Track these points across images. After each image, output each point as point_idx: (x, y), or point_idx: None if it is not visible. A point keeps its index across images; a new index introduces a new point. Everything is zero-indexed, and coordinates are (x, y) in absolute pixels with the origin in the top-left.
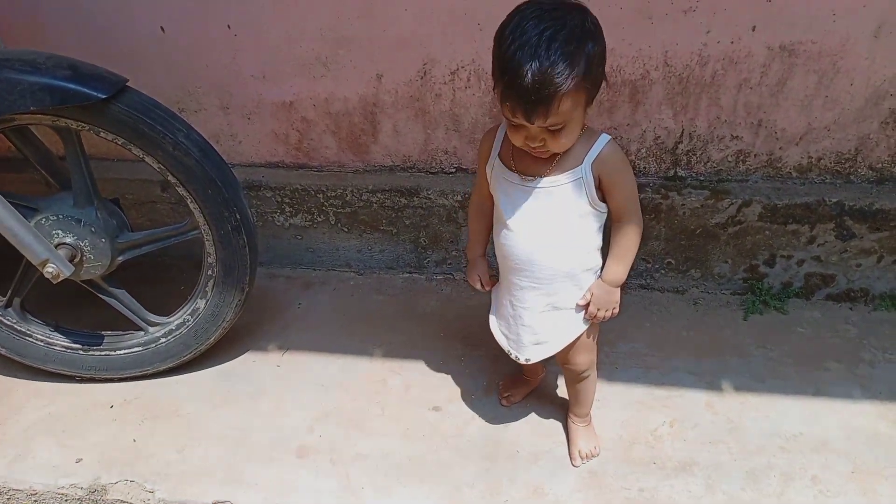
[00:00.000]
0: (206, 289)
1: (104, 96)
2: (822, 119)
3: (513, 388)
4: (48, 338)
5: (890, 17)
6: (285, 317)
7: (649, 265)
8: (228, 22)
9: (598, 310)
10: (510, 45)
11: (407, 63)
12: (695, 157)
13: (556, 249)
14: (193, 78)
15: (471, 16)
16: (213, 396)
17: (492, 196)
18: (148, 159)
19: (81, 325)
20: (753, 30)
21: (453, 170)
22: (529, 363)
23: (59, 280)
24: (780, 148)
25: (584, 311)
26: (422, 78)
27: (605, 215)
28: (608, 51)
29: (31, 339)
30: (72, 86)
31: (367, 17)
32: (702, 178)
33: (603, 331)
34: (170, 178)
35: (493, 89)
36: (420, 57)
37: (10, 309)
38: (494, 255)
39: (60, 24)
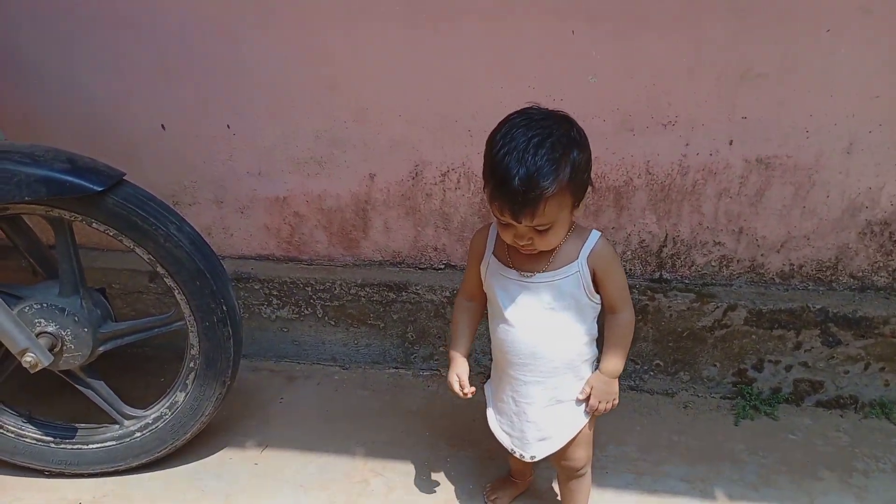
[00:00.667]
0: (187, 381)
1: (100, 189)
2: (801, 228)
3: (500, 490)
4: (19, 429)
5: (860, 135)
6: (266, 411)
7: (638, 366)
8: (228, 122)
9: (599, 402)
10: (500, 150)
11: (399, 164)
12: (679, 261)
13: (558, 342)
14: (190, 173)
15: (461, 123)
16: (185, 495)
17: (481, 294)
18: (138, 250)
19: (54, 415)
20: (731, 143)
21: (442, 266)
22: (535, 460)
23: (37, 370)
24: (761, 255)
25: (585, 404)
26: (413, 178)
27: (600, 307)
28: (593, 158)
29: (1, 431)
30: (68, 178)
31: (361, 120)
32: (687, 282)
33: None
34: (159, 269)
35: (483, 189)
36: (412, 159)
37: None
38: (483, 352)
39: (61, 119)
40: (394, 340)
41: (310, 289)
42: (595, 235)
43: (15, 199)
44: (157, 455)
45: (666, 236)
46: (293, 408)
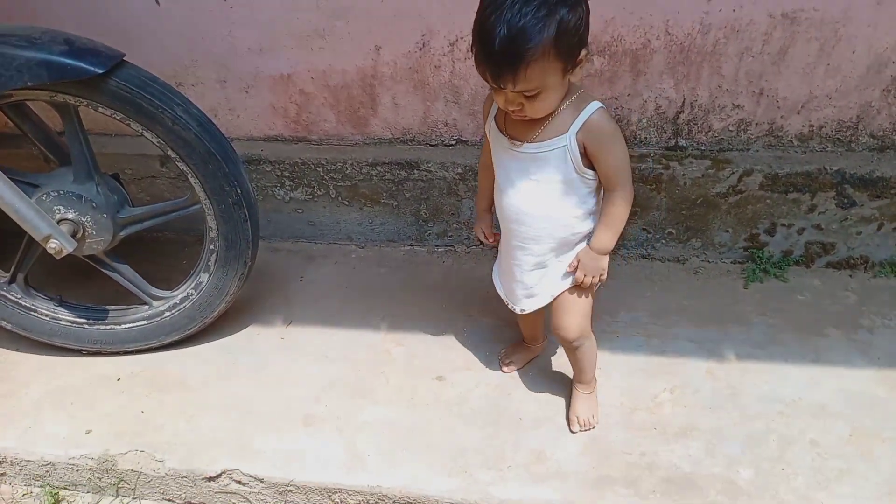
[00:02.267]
0: (209, 263)
1: (101, 71)
2: (824, 87)
3: (513, 355)
4: (53, 312)
5: None
6: (288, 290)
7: (650, 235)
8: None
9: (585, 275)
10: (486, 9)
11: (405, 34)
12: (696, 127)
13: (540, 212)
14: (190, 52)
15: None
16: (218, 369)
17: None
18: (147, 134)
19: (86, 299)
20: None
21: (453, 142)
22: (525, 313)
23: (62, 256)
24: (781, 117)
25: (571, 276)
26: (420, 49)
27: (597, 182)
28: (608, 20)
29: (35, 315)
30: (68, 61)
31: None
32: (703, 148)
33: (604, 299)
34: (170, 153)
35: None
36: (419, 28)
37: (14, 284)
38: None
39: (54, 1)
40: (407, 218)
41: (321, 169)
42: (592, 107)
43: (17, 84)
44: (187, 332)
45: (683, 101)
46: (314, 286)
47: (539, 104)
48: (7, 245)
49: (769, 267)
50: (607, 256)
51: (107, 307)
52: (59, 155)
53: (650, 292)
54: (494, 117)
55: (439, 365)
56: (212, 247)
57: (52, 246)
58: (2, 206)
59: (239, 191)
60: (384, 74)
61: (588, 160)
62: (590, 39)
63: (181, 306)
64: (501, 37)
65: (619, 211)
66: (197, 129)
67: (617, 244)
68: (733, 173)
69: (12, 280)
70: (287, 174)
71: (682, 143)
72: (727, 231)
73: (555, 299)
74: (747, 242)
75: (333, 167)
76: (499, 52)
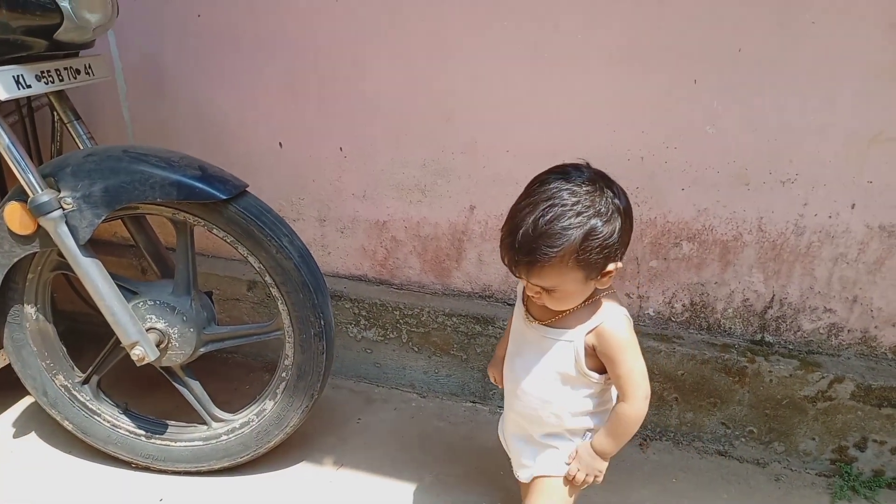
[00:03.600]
0: (277, 391)
1: (225, 197)
2: None
3: None
4: (115, 419)
5: None
6: (343, 430)
7: (729, 430)
8: (341, 144)
9: (579, 470)
10: (524, 198)
11: (500, 198)
12: (784, 325)
13: (536, 393)
14: (299, 190)
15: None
16: None
17: None
18: (251, 259)
19: (143, 409)
20: (853, 207)
21: None
22: (521, 480)
23: (143, 363)
24: (875, 327)
25: (564, 465)
26: None
27: (601, 385)
28: (700, 209)
29: (98, 419)
30: (199, 184)
31: (470, 153)
32: (791, 347)
33: (675, 494)
34: (267, 278)
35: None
36: (514, 194)
37: (86, 385)
38: None
39: (190, 129)
40: (474, 374)
41: (398, 312)
42: (607, 314)
43: (147, 199)
44: (238, 460)
45: (773, 297)
46: (370, 430)
47: (556, 301)
48: (84, 346)
49: (858, 486)
50: (606, 461)
51: (167, 422)
52: (162, 267)
53: (727, 494)
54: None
55: None
56: (283, 374)
57: (136, 353)
58: (100, 305)
59: (322, 322)
60: (474, 231)
61: (598, 362)
62: (676, 229)
63: (239, 431)
64: (525, 233)
65: (623, 420)
66: (298, 259)
67: (692, 435)
68: (823, 378)
69: (86, 381)
70: (364, 313)
71: (769, 338)
72: (813, 439)
73: (534, 479)
74: (835, 455)
75: (410, 312)
76: (518, 247)
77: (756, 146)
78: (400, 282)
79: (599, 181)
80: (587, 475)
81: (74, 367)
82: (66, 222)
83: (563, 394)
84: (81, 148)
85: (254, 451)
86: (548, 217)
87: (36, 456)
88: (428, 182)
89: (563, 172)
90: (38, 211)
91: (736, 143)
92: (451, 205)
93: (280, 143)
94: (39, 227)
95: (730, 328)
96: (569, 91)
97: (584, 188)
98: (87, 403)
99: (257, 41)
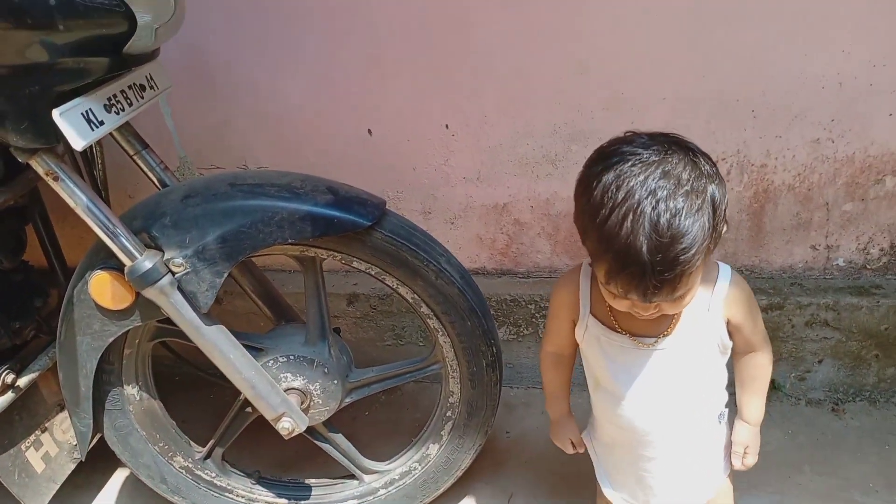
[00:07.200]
0: (442, 432)
1: (369, 223)
2: None
3: None
4: (249, 493)
5: None
6: (496, 450)
7: None
8: (447, 121)
9: (749, 455)
10: (612, 208)
11: None
12: None
13: (692, 411)
14: (396, 182)
15: (744, 102)
16: None
17: (573, 347)
18: (402, 289)
19: (275, 469)
20: None
21: None
22: None
23: (293, 435)
24: None
25: (725, 462)
26: None
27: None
28: None
29: (230, 496)
30: (335, 213)
31: (614, 108)
32: None
33: None
34: (423, 308)
35: (582, 242)
36: None
37: (209, 461)
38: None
39: (252, 132)
40: None
41: (533, 306)
42: (725, 273)
43: (276, 241)
44: None
45: None
46: (524, 443)
47: (679, 303)
48: (197, 414)
49: None
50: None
51: (309, 482)
52: (277, 311)
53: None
54: (592, 313)
55: None
56: (449, 413)
57: (284, 426)
58: (235, 380)
59: (494, 350)
60: None
61: (729, 332)
62: (879, 163)
63: (399, 483)
64: (652, 249)
65: (767, 372)
66: (461, 282)
67: (891, 391)
68: None
69: (208, 456)
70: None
71: None
72: None
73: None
74: None
75: (547, 304)
76: (653, 270)
77: None
78: (526, 269)
79: (664, 139)
80: (756, 455)
81: (191, 442)
82: (180, 288)
83: (713, 385)
84: (159, 185)
85: (419, 502)
86: (667, 215)
87: None
88: (559, 150)
89: (632, 152)
90: (141, 282)
91: None
92: None
93: (369, 130)
94: (139, 295)
95: None
96: (738, 14)
97: (670, 157)
98: (215, 481)
99: (329, 11)
